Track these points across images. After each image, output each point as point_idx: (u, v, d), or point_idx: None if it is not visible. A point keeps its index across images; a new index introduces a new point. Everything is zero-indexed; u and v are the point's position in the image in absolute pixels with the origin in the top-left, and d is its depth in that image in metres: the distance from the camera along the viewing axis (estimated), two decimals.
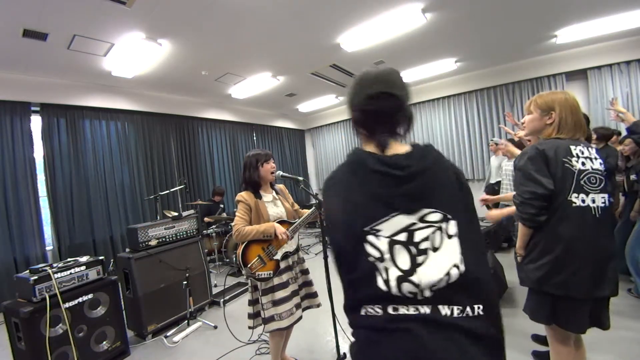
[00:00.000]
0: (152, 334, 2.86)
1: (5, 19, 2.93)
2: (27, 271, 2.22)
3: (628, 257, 2.74)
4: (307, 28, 3.79)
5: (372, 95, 0.83)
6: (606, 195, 1.37)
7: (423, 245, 0.74)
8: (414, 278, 0.71)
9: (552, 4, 3.65)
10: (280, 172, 2.09)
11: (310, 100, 7.35)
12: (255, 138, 7.98)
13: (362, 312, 0.76)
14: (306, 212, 2.04)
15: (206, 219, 5.06)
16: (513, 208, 1.53)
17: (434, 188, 0.77)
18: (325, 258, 1.94)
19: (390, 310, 0.72)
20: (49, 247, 4.38)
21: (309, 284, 2.18)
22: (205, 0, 3.00)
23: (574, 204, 1.34)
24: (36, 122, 4.32)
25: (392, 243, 0.74)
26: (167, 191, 4.55)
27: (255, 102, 6.95)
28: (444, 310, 0.70)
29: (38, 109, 4.32)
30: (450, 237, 0.75)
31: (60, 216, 4.39)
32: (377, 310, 0.73)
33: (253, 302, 2.02)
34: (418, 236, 0.74)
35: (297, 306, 1.99)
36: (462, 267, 0.73)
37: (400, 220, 0.74)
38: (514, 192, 1.48)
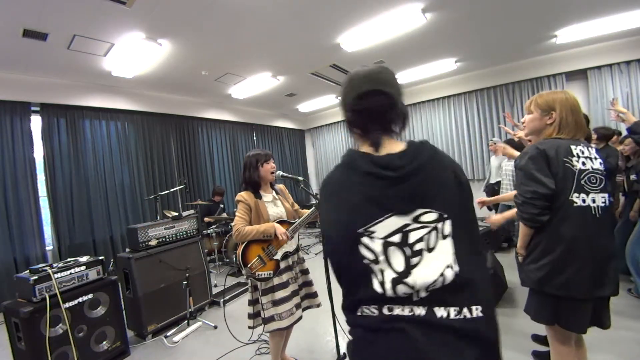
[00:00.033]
0: (152, 334, 2.85)
1: (5, 19, 2.93)
2: (27, 271, 2.22)
3: (628, 257, 2.74)
4: (307, 28, 3.79)
5: (361, 95, 0.82)
6: (606, 195, 1.37)
7: (417, 247, 0.73)
8: (408, 280, 0.71)
9: (552, 4, 3.65)
10: (280, 172, 2.09)
11: (310, 100, 7.35)
12: (255, 138, 7.98)
13: (359, 312, 0.76)
14: (306, 212, 2.04)
15: (206, 219, 5.06)
16: (514, 211, 1.53)
17: (429, 187, 0.76)
18: (325, 258, 1.93)
19: (385, 310, 0.72)
20: (49, 247, 4.38)
21: (309, 284, 2.18)
22: (205, 0, 3.00)
23: (575, 204, 1.34)
24: (36, 122, 4.32)
25: (387, 245, 0.73)
26: (167, 191, 4.55)
27: (255, 102, 6.95)
28: (440, 312, 0.70)
29: (38, 109, 4.32)
30: (445, 237, 0.74)
31: (60, 216, 4.39)
32: (373, 310, 0.74)
33: (253, 302, 2.02)
34: (412, 237, 0.73)
35: (297, 306, 1.99)
36: (456, 268, 0.72)
37: (394, 222, 0.74)
38: (515, 192, 1.48)
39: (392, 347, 0.70)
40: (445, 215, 0.74)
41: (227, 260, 4.86)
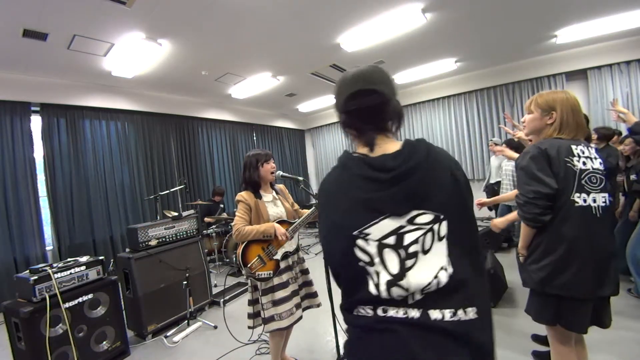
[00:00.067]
0: (152, 334, 2.85)
1: (5, 19, 2.93)
2: (27, 271, 2.22)
3: (629, 257, 2.73)
4: (307, 28, 3.79)
5: (353, 94, 0.81)
6: (606, 195, 1.37)
7: (412, 249, 0.72)
8: (403, 282, 0.71)
9: (552, 4, 3.65)
10: (280, 172, 2.09)
11: (310, 100, 7.35)
12: (255, 138, 7.98)
13: (355, 312, 0.77)
14: (306, 212, 2.04)
15: (206, 219, 5.06)
16: (515, 213, 1.52)
17: (425, 188, 0.74)
18: (324, 259, 1.93)
19: (379, 312, 0.73)
20: (49, 247, 4.38)
21: (309, 283, 2.18)
22: (205, 0, 3.00)
23: (576, 204, 1.34)
24: (36, 122, 4.32)
25: (381, 247, 0.73)
26: (167, 191, 4.55)
27: (255, 102, 6.95)
28: (435, 314, 0.69)
29: (38, 109, 4.32)
30: (441, 238, 0.73)
31: (60, 216, 4.39)
32: (368, 311, 0.74)
33: (253, 302, 2.02)
34: (407, 239, 0.72)
35: (297, 306, 1.99)
36: (450, 269, 0.71)
37: (389, 224, 0.73)
38: (516, 192, 1.48)
39: (386, 347, 0.71)
40: (442, 216, 0.73)
41: (227, 260, 4.86)
